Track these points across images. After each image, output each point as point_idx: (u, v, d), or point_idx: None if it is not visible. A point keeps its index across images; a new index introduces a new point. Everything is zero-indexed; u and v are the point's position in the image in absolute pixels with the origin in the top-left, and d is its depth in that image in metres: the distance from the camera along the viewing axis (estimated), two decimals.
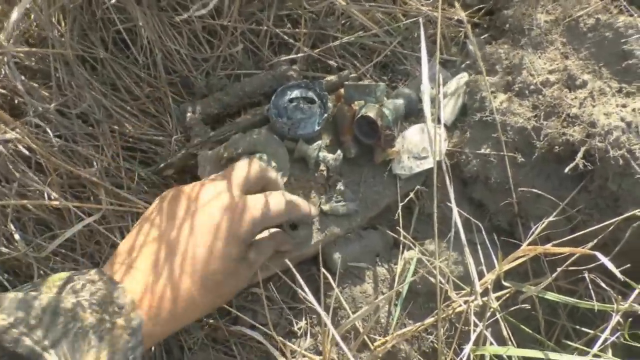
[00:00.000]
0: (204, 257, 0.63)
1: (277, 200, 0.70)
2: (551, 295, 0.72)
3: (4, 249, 0.81)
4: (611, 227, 0.74)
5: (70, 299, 0.54)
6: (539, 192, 0.82)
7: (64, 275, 0.58)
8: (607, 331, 0.69)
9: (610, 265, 0.61)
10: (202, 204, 0.66)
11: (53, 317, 0.52)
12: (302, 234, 0.79)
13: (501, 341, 0.74)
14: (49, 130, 0.86)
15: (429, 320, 0.77)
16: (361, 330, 0.79)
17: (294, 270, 0.70)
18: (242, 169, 0.71)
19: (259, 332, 0.77)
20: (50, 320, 0.51)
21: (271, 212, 0.69)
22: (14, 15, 0.47)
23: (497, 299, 0.77)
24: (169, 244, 0.63)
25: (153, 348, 0.80)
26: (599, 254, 0.63)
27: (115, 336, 0.55)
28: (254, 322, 0.81)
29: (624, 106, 0.80)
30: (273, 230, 0.76)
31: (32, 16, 0.92)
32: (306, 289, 0.66)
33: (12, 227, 0.82)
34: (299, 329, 0.84)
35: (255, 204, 0.68)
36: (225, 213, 0.65)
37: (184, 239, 0.63)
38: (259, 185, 0.73)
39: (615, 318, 0.69)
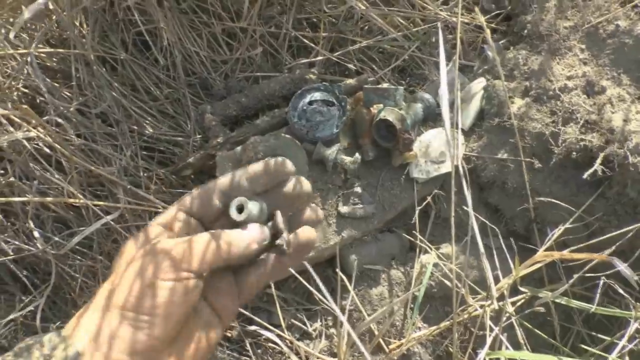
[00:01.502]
0: None
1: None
2: (569, 302, 0.72)
3: (23, 246, 0.82)
4: (629, 234, 0.74)
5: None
6: (556, 199, 0.82)
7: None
8: (625, 338, 0.68)
9: (627, 271, 0.61)
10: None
11: None
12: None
13: (516, 346, 0.74)
14: (69, 129, 0.87)
15: (445, 323, 0.77)
16: (376, 332, 0.79)
17: (311, 271, 0.70)
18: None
19: (274, 333, 0.78)
20: None
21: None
22: (26, 13, 0.48)
23: (513, 304, 0.77)
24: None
25: None
26: (616, 260, 0.62)
27: None
28: (268, 322, 0.81)
29: None
30: None
31: (54, 17, 0.93)
32: (325, 292, 0.66)
33: (32, 224, 0.83)
34: (314, 330, 0.84)
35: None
36: None
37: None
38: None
39: (634, 325, 0.68)
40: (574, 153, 0.80)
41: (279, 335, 0.77)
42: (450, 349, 0.81)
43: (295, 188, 0.60)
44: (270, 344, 0.84)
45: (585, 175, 0.77)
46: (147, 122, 0.95)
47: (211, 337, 0.56)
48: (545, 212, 0.85)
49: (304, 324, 0.85)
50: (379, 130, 0.84)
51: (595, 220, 0.82)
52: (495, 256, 0.80)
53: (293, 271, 0.77)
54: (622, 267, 0.60)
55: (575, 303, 0.71)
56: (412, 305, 0.81)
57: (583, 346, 0.75)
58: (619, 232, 0.74)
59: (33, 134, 0.78)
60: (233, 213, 0.56)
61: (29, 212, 0.83)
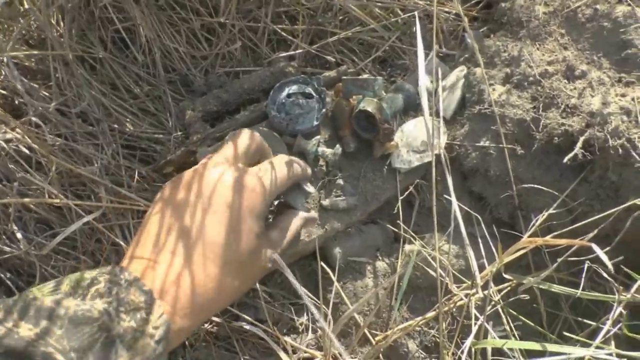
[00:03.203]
0: (224, 239, 0.60)
1: (280, 166, 0.69)
2: (551, 286, 0.72)
3: (6, 248, 0.82)
4: (612, 217, 0.74)
5: (97, 306, 0.51)
6: (539, 185, 0.81)
7: (87, 275, 0.55)
8: (609, 322, 0.68)
9: (604, 257, 0.61)
10: (209, 185, 0.63)
11: (79, 327, 0.49)
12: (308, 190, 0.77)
13: (503, 334, 0.74)
14: (49, 130, 0.86)
15: (431, 314, 0.77)
16: (362, 324, 0.79)
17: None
18: (242, 143, 0.70)
19: (260, 328, 0.77)
20: (76, 330, 0.49)
21: (278, 181, 0.68)
22: None
23: (499, 292, 0.77)
24: (185, 233, 0.60)
25: None
26: (594, 246, 0.62)
27: (144, 345, 0.52)
28: (255, 318, 0.81)
29: (623, 95, 0.79)
30: (295, 213, 0.75)
31: (31, 17, 0.93)
32: (303, 289, 0.66)
33: (14, 226, 0.83)
34: (301, 324, 0.84)
35: (263, 175, 0.66)
36: (236, 190, 0.62)
37: (199, 225, 0.60)
38: (257, 156, 0.72)
39: (617, 309, 0.68)
40: (556, 138, 0.80)
41: (265, 331, 0.77)
42: (438, 339, 0.80)
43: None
44: (257, 340, 0.83)
45: (565, 160, 0.77)
46: (128, 120, 0.94)
47: None
48: (529, 198, 0.84)
49: (291, 318, 0.84)
50: (359, 121, 0.84)
51: (579, 205, 0.81)
52: (481, 244, 0.80)
53: (286, 268, 0.77)
54: (600, 252, 0.60)
55: (558, 288, 0.71)
56: (397, 296, 0.81)
57: (567, 334, 0.75)
58: (601, 215, 0.74)
59: (10, 135, 0.77)
60: None
61: (11, 214, 0.82)
